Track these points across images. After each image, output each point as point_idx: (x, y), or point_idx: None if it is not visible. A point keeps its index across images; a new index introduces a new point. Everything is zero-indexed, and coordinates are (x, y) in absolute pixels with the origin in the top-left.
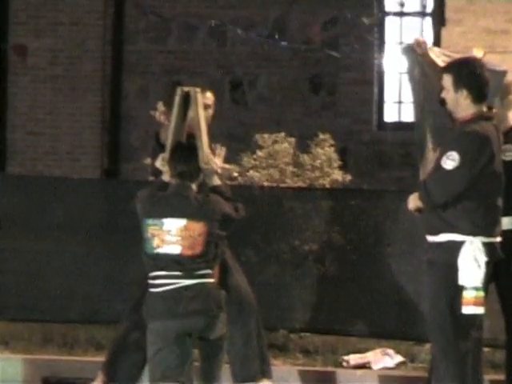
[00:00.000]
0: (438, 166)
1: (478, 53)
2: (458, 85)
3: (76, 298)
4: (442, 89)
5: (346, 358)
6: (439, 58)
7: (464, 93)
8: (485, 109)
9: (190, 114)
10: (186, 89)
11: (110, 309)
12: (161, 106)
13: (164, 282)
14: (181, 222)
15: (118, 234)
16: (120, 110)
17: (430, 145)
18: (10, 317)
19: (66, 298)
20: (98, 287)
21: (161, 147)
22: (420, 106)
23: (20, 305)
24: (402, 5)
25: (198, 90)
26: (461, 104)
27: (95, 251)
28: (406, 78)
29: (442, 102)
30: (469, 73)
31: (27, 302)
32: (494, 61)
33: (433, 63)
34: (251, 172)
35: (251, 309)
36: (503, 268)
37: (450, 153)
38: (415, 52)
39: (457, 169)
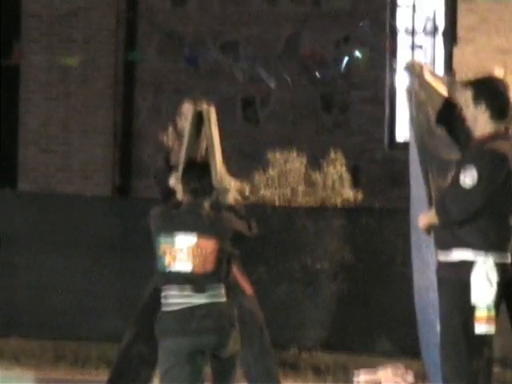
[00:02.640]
0: (455, 183)
1: (498, 73)
2: (477, 99)
3: (88, 315)
4: (439, 107)
5: (356, 376)
6: (436, 80)
7: (483, 107)
8: (502, 128)
9: (205, 131)
10: (199, 107)
11: (122, 326)
12: (170, 130)
13: (176, 301)
14: (192, 239)
15: (130, 251)
16: (132, 127)
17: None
18: (21, 333)
19: (77, 316)
20: (110, 305)
21: (169, 170)
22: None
23: (32, 321)
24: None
25: (212, 108)
26: (479, 119)
27: (107, 268)
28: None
29: (440, 122)
30: (490, 87)
31: (39, 319)
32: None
33: (429, 86)
34: (263, 190)
35: (257, 326)
36: None
37: (468, 171)
38: (413, 73)
39: (475, 187)
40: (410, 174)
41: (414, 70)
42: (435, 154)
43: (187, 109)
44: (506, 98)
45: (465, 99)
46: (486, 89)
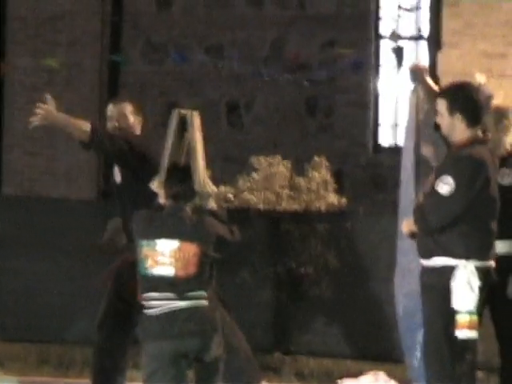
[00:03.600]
0: (433, 190)
1: (480, 78)
2: (452, 109)
3: (72, 318)
4: (436, 114)
5: (339, 382)
6: (436, 86)
7: (459, 117)
8: (479, 132)
9: (187, 136)
10: (183, 111)
11: None
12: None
13: (158, 304)
14: (174, 243)
15: (115, 255)
16: None
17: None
18: (5, 337)
19: (62, 319)
20: (94, 308)
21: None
22: (412, 131)
23: (16, 325)
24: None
25: (196, 112)
26: (456, 128)
27: (92, 272)
28: (402, 101)
29: (437, 127)
30: (463, 97)
31: (23, 323)
32: (488, 89)
33: (430, 89)
34: (247, 194)
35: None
36: (497, 292)
37: (445, 177)
38: (413, 77)
39: (452, 193)
40: (401, 177)
41: (417, 74)
42: (428, 161)
43: (111, 110)
44: (480, 104)
45: (440, 108)
46: (460, 98)
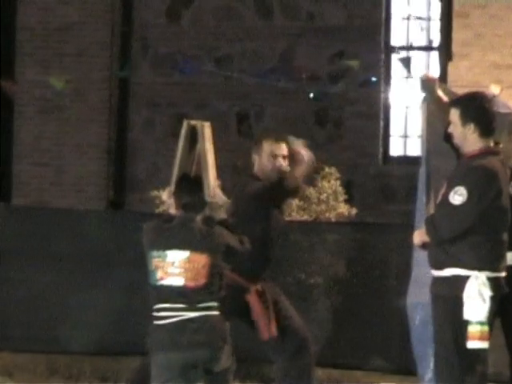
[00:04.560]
0: (445, 200)
1: (495, 89)
2: (465, 119)
3: (81, 329)
4: (449, 124)
5: None
6: (447, 95)
7: (471, 127)
8: (492, 143)
9: (198, 146)
10: (193, 122)
11: (115, 340)
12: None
13: (168, 315)
14: (184, 254)
15: (124, 265)
16: (126, 141)
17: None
18: (14, 347)
19: (71, 329)
20: (104, 318)
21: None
22: (428, 140)
23: (25, 335)
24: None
25: (207, 123)
26: (468, 138)
27: (101, 282)
28: (412, 111)
29: (447, 139)
30: (476, 107)
31: (32, 333)
32: (502, 100)
33: (440, 100)
34: None
35: (307, 344)
36: (509, 303)
37: (457, 188)
38: (424, 86)
39: (464, 204)
40: (417, 188)
41: (427, 85)
42: (439, 171)
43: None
44: (492, 115)
45: (453, 118)
46: (473, 108)
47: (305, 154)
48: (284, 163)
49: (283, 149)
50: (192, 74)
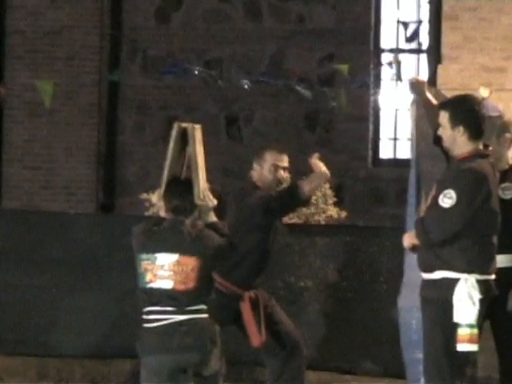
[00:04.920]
0: (435, 203)
1: (484, 92)
2: (454, 121)
3: (71, 332)
4: (438, 126)
5: None
6: (438, 99)
7: (461, 129)
8: (481, 146)
9: (188, 149)
10: (183, 124)
11: (105, 344)
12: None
13: (157, 318)
14: (173, 257)
15: (114, 268)
16: (116, 144)
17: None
18: (4, 351)
19: (61, 333)
20: (94, 322)
21: None
22: (418, 143)
23: (15, 339)
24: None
25: (198, 126)
26: (457, 141)
27: (91, 286)
28: (402, 114)
29: (436, 142)
30: (466, 109)
31: (22, 337)
32: (492, 103)
33: (429, 103)
34: None
35: (300, 347)
36: (498, 306)
37: (447, 191)
38: (414, 89)
39: (454, 207)
40: (408, 191)
41: (416, 87)
42: (428, 174)
43: None
44: (481, 117)
45: (442, 121)
46: (462, 111)
47: (324, 170)
48: (285, 175)
49: (285, 160)
50: (181, 77)
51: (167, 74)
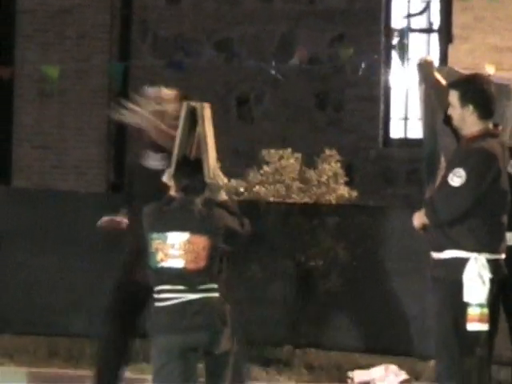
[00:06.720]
0: (444, 183)
1: (489, 69)
2: (464, 100)
3: (81, 311)
4: (448, 106)
5: (350, 374)
6: (450, 76)
7: (470, 109)
8: (491, 125)
9: (197, 128)
10: (192, 104)
11: None
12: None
13: (168, 296)
14: (184, 236)
15: (124, 248)
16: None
17: (442, 163)
18: (14, 330)
19: (71, 312)
20: (104, 301)
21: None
22: (427, 123)
23: (25, 318)
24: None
25: (207, 104)
26: (467, 120)
27: (101, 265)
28: (412, 94)
29: (447, 122)
30: (475, 89)
31: (32, 316)
32: (499, 76)
33: (438, 83)
34: (257, 187)
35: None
36: (509, 284)
37: (456, 170)
38: (422, 70)
39: (463, 186)
40: (422, 169)
41: (425, 67)
42: (439, 153)
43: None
44: (492, 97)
45: (452, 100)
46: (472, 90)
47: None
48: None
49: None
50: (191, 57)
51: (179, 55)
